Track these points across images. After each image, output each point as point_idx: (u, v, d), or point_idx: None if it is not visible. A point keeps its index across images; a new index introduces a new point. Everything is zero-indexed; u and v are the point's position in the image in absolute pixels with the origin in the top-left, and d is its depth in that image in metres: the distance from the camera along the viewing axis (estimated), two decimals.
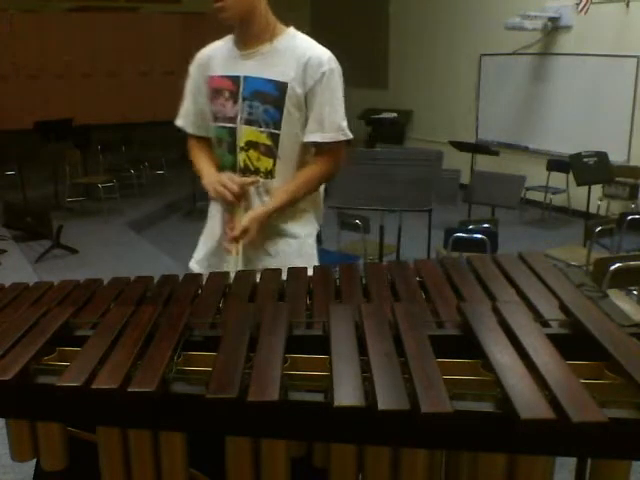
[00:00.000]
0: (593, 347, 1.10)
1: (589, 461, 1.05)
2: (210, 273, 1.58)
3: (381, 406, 0.93)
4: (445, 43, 8.38)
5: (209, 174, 1.86)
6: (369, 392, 0.97)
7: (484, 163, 7.16)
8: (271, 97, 1.76)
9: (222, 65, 1.84)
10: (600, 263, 3.11)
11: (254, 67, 1.79)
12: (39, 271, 5.00)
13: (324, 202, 2.01)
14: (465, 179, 5.84)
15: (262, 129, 1.79)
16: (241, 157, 1.82)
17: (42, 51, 8.79)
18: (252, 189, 1.82)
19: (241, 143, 1.81)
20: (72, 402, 1.09)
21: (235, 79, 1.80)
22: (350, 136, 1.83)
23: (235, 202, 1.77)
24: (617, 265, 3.05)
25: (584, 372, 1.07)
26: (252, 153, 1.81)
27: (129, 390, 1.02)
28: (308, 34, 1.85)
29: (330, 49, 1.82)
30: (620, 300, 3.08)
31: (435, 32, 8.49)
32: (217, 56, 1.87)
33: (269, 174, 1.82)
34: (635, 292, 3.54)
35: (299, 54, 1.76)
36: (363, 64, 9.63)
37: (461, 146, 6.93)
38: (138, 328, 1.21)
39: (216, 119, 1.85)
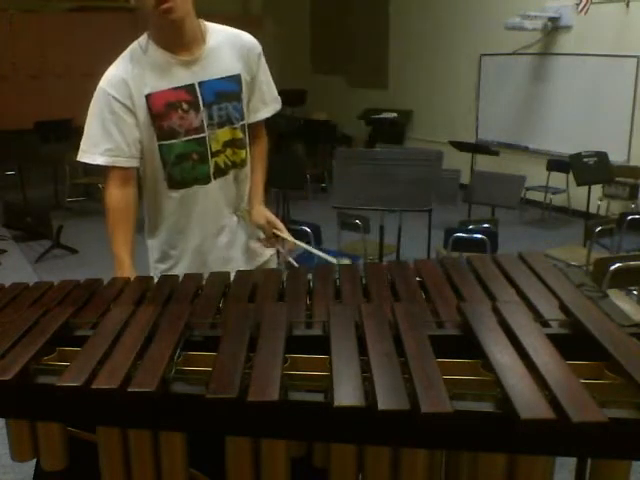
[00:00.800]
0: (593, 347, 1.10)
1: (589, 461, 1.05)
2: (210, 273, 1.58)
3: (381, 406, 0.93)
4: (445, 43, 8.37)
5: (127, 268, 1.69)
6: (369, 392, 0.97)
7: (484, 163, 7.16)
8: (233, 93, 1.80)
9: (164, 79, 1.71)
10: (600, 263, 3.12)
11: (202, 71, 1.75)
12: (39, 271, 5.00)
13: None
14: (465, 179, 5.84)
15: (235, 125, 1.83)
16: (219, 160, 1.83)
17: (42, 51, 8.79)
18: (230, 179, 1.87)
19: (217, 147, 1.81)
20: (72, 402, 1.09)
21: (189, 88, 1.74)
22: (281, 104, 1.98)
23: None
24: (617, 265, 3.05)
25: (584, 372, 1.07)
26: (229, 151, 1.84)
27: (129, 390, 1.02)
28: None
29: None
30: (620, 300, 3.08)
31: (435, 32, 8.49)
32: (146, 73, 1.71)
33: (243, 163, 1.90)
34: (635, 292, 3.54)
35: (234, 45, 1.81)
36: (363, 64, 9.64)
37: (461, 146, 6.93)
38: (138, 328, 1.21)
39: (174, 135, 1.74)
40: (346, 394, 0.97)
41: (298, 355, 1.15)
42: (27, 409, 1.14)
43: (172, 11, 1.60)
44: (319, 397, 1.02)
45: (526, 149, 7.47)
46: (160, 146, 1.75)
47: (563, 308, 1.26)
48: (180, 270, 1.84)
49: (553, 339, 1.09)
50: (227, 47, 1.79)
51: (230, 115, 1.80)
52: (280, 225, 1.91)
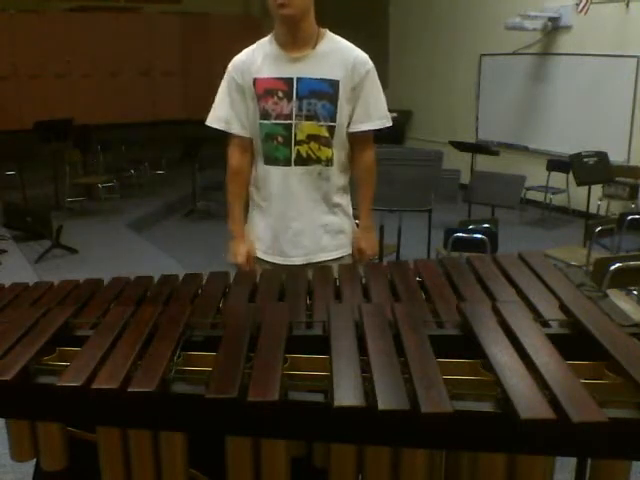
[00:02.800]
0: (593, 347, 1.10)
1: (589, 461, 1.05)
2: (210, 273, 1.58)
3: (381, 406, 0.93)
4: (445, 43, 8.37)
5: (238, 239, 2.13)
6: (369, 392, 0.97)
7: (484, 163, 7.16)
8: (326, 94, 1.98)
9: (270, 68, 2.00)
10: (600, 263, 3.11)
11: (305, 69, 1.98)
12: (39, 271, 5.00)
13: None
14: (465, 179, 5.84)
15: (321, 123, 2.00)
16: (302, 149, 2.02)
17: (42, 51, 8.77)
18: (314, 172, 2.03)
19: (301, 137, 2.00)
20: (72, 402, 1.09)
21: (287, 80, 1.98)
22: (391, 122, 2.11)
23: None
24: (617, 265, 3.05)
25: (584, 372, 1.07)
26: (313, 145, 2.02)
27: (129, 390, 1.02)
28: None
29: None
30: (620, 300, 3.08)
31: (435, 32, 8.49)
32: (259, 60, 2.02)
33: (329, 162, 2.05)
34: (635, 292, 3.54)
35: (344, 55, 2.00)
36: None
37: (461, 146, 6.93)
38: (138, 328, 1.21)
39: (267, 116, 2.01)
40: (346, 394, 0.97)
41: (298, 355, 1.15)
42: (27, 409, 1.14)
43: (286, 6, 1.87)
44: (319, 397, 1.02)
45: (526, 149, 7.47)
46: (259, 124, 2.04)
47: (563, 308, 1.26)
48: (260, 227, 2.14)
49: (553, 339, 1.09)
50: (335, 55, 2.00)
51: (317, 112, 1.99)
52: (368, 256, 2.18)
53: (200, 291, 1.49)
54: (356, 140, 2.08)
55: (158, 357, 1.10)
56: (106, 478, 1.16)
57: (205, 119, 2.10)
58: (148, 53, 9.57)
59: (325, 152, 2.03)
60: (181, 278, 1.56)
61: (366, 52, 2.03)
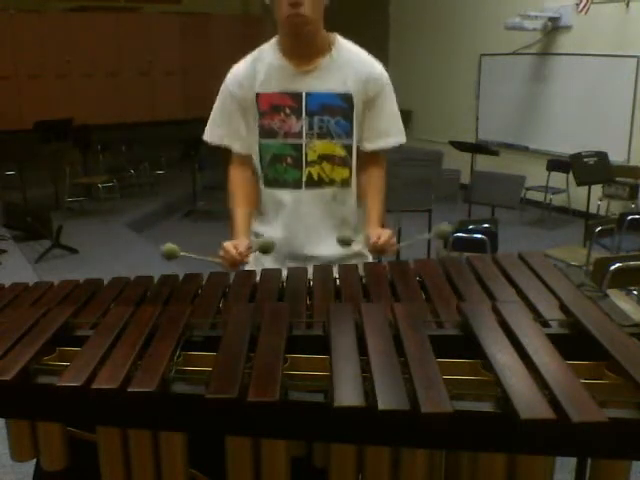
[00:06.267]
0: (593, 347, 1.10)
1: (589, 461, 1.05)
2: (210, 273, 1.58)
3: (381, 406, 0.93)
4: (445, 43, 8.37)
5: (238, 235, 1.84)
6: (369, 392, 0.97)
7: (484, 163, 7.15)
8: (340, 109, 1.82)
9: (275, 82, 1.82)
10: (600, 263, 3.11)
11: (314, 82, 1.81)
12: (39, 271, 5.00)
13: None
14: (465, 179, 5.84)
15: (335, 141, 1.84)
16: (313, 170, 1.85)
17: (42, 51, 8.78)
18: (328, 195, 1.87)
19: (312, 157, 1.84)
20: (72, 402, 1.09)
21: (295, 96, 1.81)
22: (405, 139, 1.94)
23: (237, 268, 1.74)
24: (617, 265, 3.05)
25: (584, 372, 1.07)
26: (325, 165, 1.85)
27: (129, 390, 1.02)
28: None
29: None
30: (620, 300, 3.07)
31: (435, 32, 8.49)
32: (261, 72, 1.83)
33: (345, 183, 1.88)
34: (635, 292, 3.54)
35: (357, 66, 1.83)
36: None
37: (461, 146, 6.92)
38: (138, 328, 1.21)
39: (273, 135, 1.84)
40: (346, 394, 0.97)
41: (298, 355, 1.15)
42: (27, 409, 1.14)
43: (300, 4, 1.65)
44: (319, 397, 1.02)
45: (526, 149, 7.47)
46: (260, 144, 1.87)
47: (563, 308, 1.26)
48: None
49: (553, 339, 1.09)
50: (349, 66, 1.82)
51: (330, 129, 1.82)
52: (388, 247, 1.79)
53: (200, 291, 1.49)
54: (367, 158, 1.91)
55: (158, 357, 1.10)
56: (106, 478, 1.16)
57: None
58: (148, 53, 9.57)
59: (340, 172, 1.86)
60: (181, 278, 1.56)
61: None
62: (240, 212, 1.89)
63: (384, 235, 1.76)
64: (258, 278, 1.54)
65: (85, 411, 1.10)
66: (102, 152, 7.93)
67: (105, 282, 1.56)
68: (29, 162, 6.98)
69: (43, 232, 5.65)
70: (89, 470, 1.18)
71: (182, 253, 1.70)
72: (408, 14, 8.92)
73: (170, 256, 1.68)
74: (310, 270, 1.57)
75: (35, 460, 1.24)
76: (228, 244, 1.74)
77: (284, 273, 1.58)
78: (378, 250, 1.77)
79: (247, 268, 1.88)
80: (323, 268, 1.57)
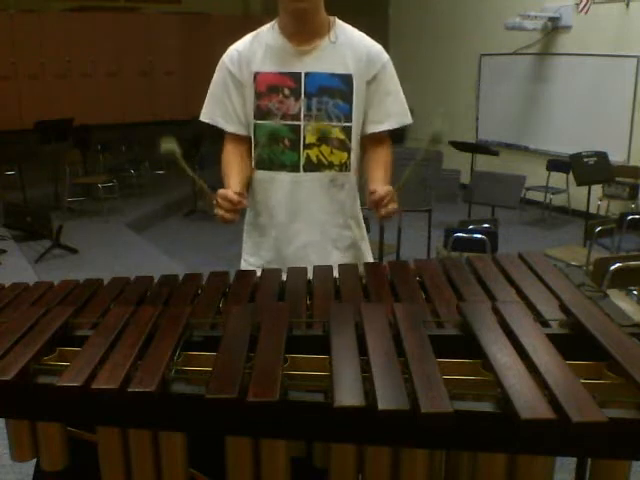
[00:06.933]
0: (593, 347, 1.10)
1: (589, 461, 1.05)
2: (210, 273, 1.58)
3: (381, 406, 0.93)
4: (445, 43, 8.37)
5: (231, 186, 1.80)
6: (369, 392, 0.97)
7: (484, 163, 7.16)
8: (339, 91, 1.79)
9: (274, 62, 1.80)
10: (600, 263, 3.11)
11: (313, 63, 1.79)
12: (39, 271, 4.99)
13: None
14: (465, 179, 5.84)
15: (334, 123, 1.81)
16: (312, 153, 1.82)
17: (42, 51, 8.78)
18: (326, 179, 1.83)
19: (311, 139, 1.81)
20: (72, 402, 1.09)
21: (294, 76, 1.79)
22: (411, 119, 1.91)
23: (234, 218, 1.70)
24: (617, 265, 3.05)
25: (584, 372, 1.07)
26: (324, 148, 1.82)
27: (129, 390, 1.02)
28: None
29: None
30: (620, 300, 3.07)
31: (435, 32, 8.49)
32: (259, 52, 1.81)
33: (344, 167, 1.85)
34: (635, 292, 3.54)
35: (357, 47, 1.81)
36: None
37: (461, 146, 6.93)
38: (138, 328, 1.21)
39: (270, 116, 1.81)
40: (346, 394, 0.97)
41: (298, 355, 1.15)
42: (27, 409, 1.14)
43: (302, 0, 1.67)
44: (319, 397, 1.02)
45: (526, 149, 7.47)
46: (255, 125, 1.83)
47: (563, 308, 1.26)
48: (264, 253, 1.90)
49: (553, 339, 1.09)
50: (348, 47, 1.80)
51: (329, 111, 1.80)
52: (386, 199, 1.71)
53: (200, 291, 1.48)
54: (370, 141, 1.89)
55: (158, 357, 1.10)
56: (106, 478, 1.16)
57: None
58: (148, 53, 9.56)
59: (339, 156, 1.82)
60: (181, 278, 1.56)
61: None
62: (234, 171, 1.83)
63: (382, 190, 1.70)
64: (258, 278, 1.54)
65: (85, 411, 1.10)
66: (102, 152, 7.93)
67: (105, 282, 1.56)
68: (29, 162, 6.99)
69: (43, 232, 5.65)
70: (89, 470, 1.18)
71: (183, 165, 1.62)
72: (408, 14, 8.92)
73: (167, 152, 1.59)
74: (310, 270, 1.56)
75: (35, 460, 1.24)
76: (222, 190, 1.70)
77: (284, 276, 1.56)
78: (376, 204, 1.70)
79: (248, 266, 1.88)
80: (323, 268, 1.57)
